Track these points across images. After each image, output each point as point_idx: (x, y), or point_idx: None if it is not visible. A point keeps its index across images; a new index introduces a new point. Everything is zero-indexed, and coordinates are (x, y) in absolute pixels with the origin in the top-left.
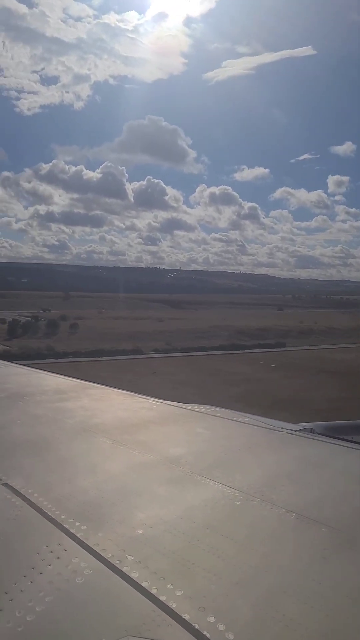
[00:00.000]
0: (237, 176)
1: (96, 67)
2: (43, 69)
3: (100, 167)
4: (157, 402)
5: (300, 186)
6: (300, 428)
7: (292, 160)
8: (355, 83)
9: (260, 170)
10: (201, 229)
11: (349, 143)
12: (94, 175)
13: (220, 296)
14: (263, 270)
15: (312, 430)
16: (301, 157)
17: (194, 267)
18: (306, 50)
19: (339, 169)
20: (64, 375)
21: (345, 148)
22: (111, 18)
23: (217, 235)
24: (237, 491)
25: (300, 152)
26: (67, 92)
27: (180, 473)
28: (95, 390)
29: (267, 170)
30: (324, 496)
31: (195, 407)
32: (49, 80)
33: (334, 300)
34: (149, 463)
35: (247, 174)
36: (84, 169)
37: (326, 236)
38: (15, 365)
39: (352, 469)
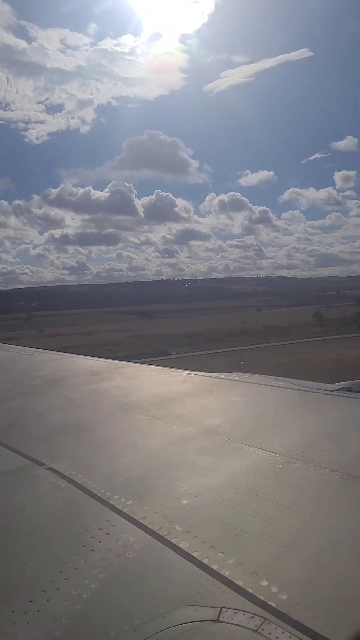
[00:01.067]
0: (242, 181)
1: (98, 91)
2: (47, 98)
3: (108, 186)
4: (191, 374)
5: (308, 185)
6: (337, 388)
7: (304, 161)
8: (353, 79)
9: (264, 174)
10: (216, 237)
11: (351, 137)
12: (102, 194)
13: (224, 301)
14: (284, 273)
15: (349, 389)
16: (312, 157)
17: (214, 275)
18: (303, 53)
19: (345, 165)
20: (95, 357)
21: (348, 142)
22: (108, 43)
23: (234, 242)
24: (278, 455)
25: (306, 151)
26: (73, 117)
27: (219, 442)
28: (127, 369)
29: (271, 173)
30: None
31: (229, 375)
32: (54, 109)
33: (326, 296)
34: (188, 435)
35: (251, 178)
36: (92, 190)
37: (343, 233)
38: (46, 351)
39: None
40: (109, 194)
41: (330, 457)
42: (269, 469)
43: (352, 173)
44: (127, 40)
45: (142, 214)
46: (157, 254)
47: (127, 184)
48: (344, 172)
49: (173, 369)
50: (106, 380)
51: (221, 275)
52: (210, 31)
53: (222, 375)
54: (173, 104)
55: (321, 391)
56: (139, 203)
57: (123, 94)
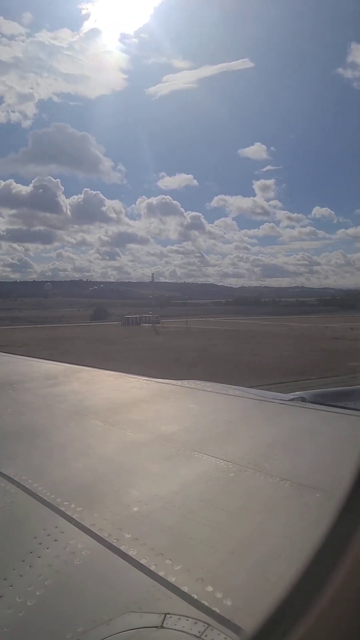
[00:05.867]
0: (161, 184)
1: (38, 85)
2: None
3: (32, 181)
4: (148, 380)
5: (238, 193)
6: (291, 397)
7: (256, 172)
8: (291, 91)
9: (184, 177)
10: (154, 241)
11: (272, 148)
12: (23, 188)
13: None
14: (232, 282)
15: (303, 399)
16: (264, 169)
17: (162, 280)
18: (244, 63)
19: (273, 176)
20: (53, 360)
21: (258, 150)
22: (44, 36)
23: (174, 248)
24: (231, 463)
25: (243, 161)
26: (14, 111)
27: (173, 449)
28: (85, 374)
29: (190, 176)
30: (317, 462)
31: (185, 382)
32: None
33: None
34: (142, 441)
35: (170, 181)
36: (14, 182)
37: (286, 247)
38: (2, 353)
39: (343, 434)
40: (32, 188)
41: (281, 466)
42: (221, 477)
43: (270, 182)
44: (65, 34)
45: (69, 212)
46: (98, 255)
47: (53, 180)
48: (262, 181)
49: (130, 375)
50: (62, 384)
51: (168, 280)
52: (150, 33)
53: (179, 382)
54: (115, 105)
55: (276, 401)
56: (67, 201)
57: (64, 90)
